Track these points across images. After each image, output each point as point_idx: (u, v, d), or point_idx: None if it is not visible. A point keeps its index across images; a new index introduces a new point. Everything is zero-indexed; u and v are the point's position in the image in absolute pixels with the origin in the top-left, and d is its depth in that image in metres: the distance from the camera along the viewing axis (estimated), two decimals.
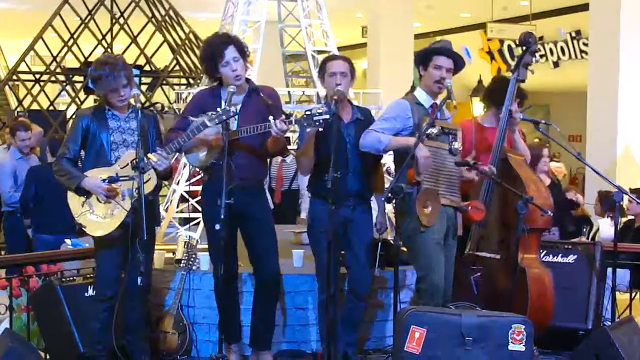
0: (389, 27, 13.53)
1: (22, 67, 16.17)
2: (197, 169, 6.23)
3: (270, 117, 5.21)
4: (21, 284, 6.27)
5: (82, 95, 15.99)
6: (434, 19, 17.26)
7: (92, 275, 5.83)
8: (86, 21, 15.84)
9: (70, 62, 17.48)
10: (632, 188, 7.58)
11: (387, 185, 6.05)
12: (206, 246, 5.80)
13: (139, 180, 4.96)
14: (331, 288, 5.07)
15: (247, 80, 5.61)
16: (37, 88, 16.40)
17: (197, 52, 13.94)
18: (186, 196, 6.97)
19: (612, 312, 6.29)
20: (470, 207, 5.50)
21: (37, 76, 16.61)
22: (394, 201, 5.20)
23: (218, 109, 5.15)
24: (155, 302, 5.97)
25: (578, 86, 12.31)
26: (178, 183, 7.00)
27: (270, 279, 5.61)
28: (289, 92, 7.29)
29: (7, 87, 17.01)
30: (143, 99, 14.78)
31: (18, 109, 16.34)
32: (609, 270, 6.35)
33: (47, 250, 7.27)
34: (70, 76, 16.53)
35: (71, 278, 5.99)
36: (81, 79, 16.10)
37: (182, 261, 6.05)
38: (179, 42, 16.45)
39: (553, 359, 6.05)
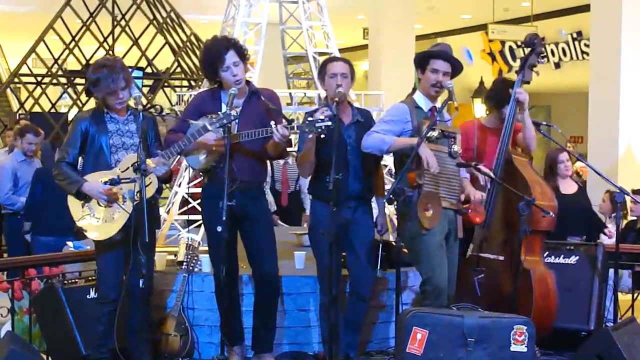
0: (390, 29, 13.52)
1: (24, 69, 16.18)
2: (198, 172, 6.23)
3: (272, 122, 5.22)
4: (23, 286, 6.27)
5: (83, 97, 15.99)
6: (435, 20, 17.26)
7: (94, 277, 5.83)
8: (87, 23, 15.85)
9: (72, 64, 17.49)
10: (634, 189, 7.58)
11: (388, 186, 6.06)
12: (207, 248, 5.80)
13: (141, 183, 4.96)
14: (333, 290, 5.08)
15: (247, 82, 5.61)
16: (38, 90, 16.42)
17: (199, 54, 13.97)
18: (188, 198, 6.96)
19: (614, 313, 6.29)
20: (470, 210, 5.50)
21: (39, 79, 16.62)
22: (395, 203, 5.21)
23: (219, 113, 5.16)
24: (157, 304, 5.96)
25: (579, 87, 12.31)
26: (180, 185, 7.00)
27: (268, 280, 5.61)
28: (290, 93, 7.29)
29: (8, 90, 17.02)
30: (144, 101, 14.79)
31: (20, 112, 16.35)
32: (611, 271, 6.34)
33: (47, 252, 7.27)
34: (72, 79, 16.54)
35: (73, 280, 6.00)
36: (83, 81, 16.09)
37: (184, 263, 6.05)
38: (180, 44, 16.46)
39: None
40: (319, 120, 5.06)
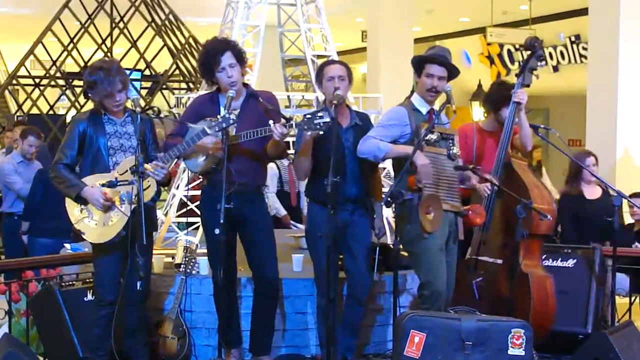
0: (388, 32, 13.52)
1: (22, 71, 16.15)
2: (197, 174, 6.23)
3: (270, 121, 5.22)
4: (20, 288, 6.27)
5: (81, 99, 15.98)
6: (434, 23, 17.26)
7: (91, 279, 5.83)
8: (86, 25, 15.83)
9: (70, 66, 17.47)
10: (633, 192, 7.58)
11: (385, 189, 6.06)
12: (206, 251, 5.80)
13: (139, 185, 4.96)
14: (330, 293, 5.08)
15: (246, 85, 5.61)
16: (36, 92, 16.39)
17: (197, 56, 13.95)
18: (186, 201, 6.96)
19: (611, 317, 6.29)
20: (470, 212, 5.50)
21: (37, 80, 16.60)
22: (393, 206, 5.21)
23: (218, 117, 5.16)
24: (155, 306, 5.96)
25: (577, 90, 12.31)
26: (178, 188, 7.00)
27: (269, 283, 5.61)
28: (288, 96, 7.29)
29: (6, 92, 17.00)
30: (143, 103, 14.78)
31: (18, 114, 16.32)
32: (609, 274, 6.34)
33: (45, 254, 7.27)
34: (70, 80, 16.52)
35: (70, 282, 5.99)
36: (81, 83, 16.07)
37: (182, 266, 6.04)
38: (178, 46, 16.45)
39: None
40: (318, 117, 5.06)
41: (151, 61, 16.42)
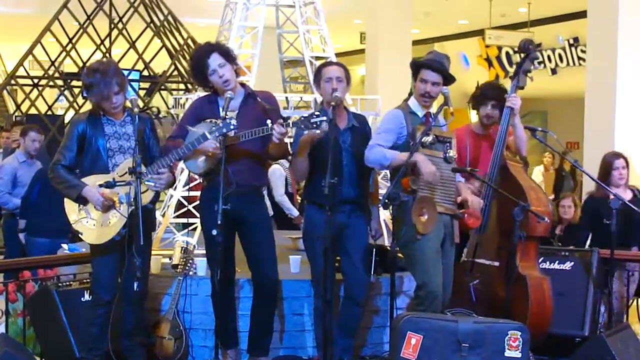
0: (387, 34, 13.54)
1: (21, 71, 16.13)
2: (196, 175, 6.23)
3: (268, 121, 5.21)
4: (17, 288, 6.27)
5: (80, 100, 15.97)
6: (432, 25, 17.28)
7: (88, 280, 5.83)
8: (85, 26, 15.81)
9: (69, 67, 17.46)
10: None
11: (382, 191, 6.07)
12: (203, 252, 5.80)
13: (136, 186, 4.96)
14: (327, 294, 5.07)
15: (243, 85, 5.62)
16: (35, 92, 16.37)
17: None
18: (183, 202, 6.96)
19: (608, 319, 6.29)
20: (466, 214, 5.51)
21: (36, 81, 16.58)
22: (390, 207, 5.21)
23: (218, 121, 5.15)
24: (152, 307, 5.96)
25: (576, 93, 12.33)
26: (175, 188, 7.00)
27: (268, 284, 5.60)
28: (286, 97, 7.29)
29: (5, 92, 16.98)
30: (141, 104, 14.77)
31: (16, 114, 16.31)
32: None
33: (42, 253, 7.27)
34: (69, 81, 16.49)
35: (67, 283, 5.99)
36: (79, 83, 16.01)
37: (179, 266, 6.04)
38: (177, 47, 16.43)
39: None
40: (315, 116, 5.06)
41: (150, 62, 16.41)
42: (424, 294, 5.31)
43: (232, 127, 5.11)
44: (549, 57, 16.63)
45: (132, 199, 5.07)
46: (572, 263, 6.35)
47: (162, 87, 16.48)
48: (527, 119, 6.16)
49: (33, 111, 15.85)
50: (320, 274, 5.26)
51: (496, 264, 5.81)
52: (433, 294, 5.29)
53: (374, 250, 5.89)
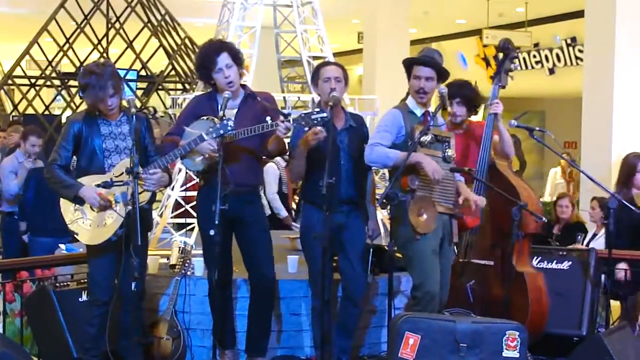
0: (385, 33, 13.53)
1: (18, 71, 16.13)
2: (193, 174, 6.22)
3: (268, 118, 5.21)
4: (15, 288, 6.26)
5: (77, 99, 15.96)
6: (430, 25, 17.28)
7: (85, 280, 5.82)
8: (82, 26, 15.79)
9: (66, 66, 17.42)
10: None
11: (380, 191, 6.06)
12: (201, 252, 5.79)
13: (134, 186, 4.96)
14: (325, 294, 5.07)
15: (243, 86, 5.61)
16: (32, 92, 16.36)
17: (193, 57, 13.93)
18: (181, 202, 6.96)
19: (606, 319, 6.30)
20: (465, 214, 5.50)
21: (33, 81, 16.57)
22: (388, 207, 5.21)
23: (216, 121, 5.15)
24: (149, 307, 5.95)
25: (573, 93, 12.34)
26: (173, 188, 6.99)
27: (265, 284, 5.60)
28: (284, 97, 7.29)
29: (2, 92, 16.96)
30: (139, 104, 14.76)
31: (13, 114, 16.30)
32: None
33: (45, 253, 7.26)
34: (66, 81, 16.47)
35: (65, 283, 5.98)
36: (77, 83, 16.00)
37: (177, 267, 6.04)
38: (174, 47, 16.42)
39: None
40: (315, 113, 5.06)
41: (147, 62, 16.40)
42: (422, 294, 5.31)
43: (229, 128, 5.11)
44: (546, 56, 16.62)
45: (128, 199, 5.07)
46: (570, 263, 6.36)
47: (160, 86, 16.48)
48: (525, 119, 6.15)
49: (30, 111, 15.83)
50: (317, 274, 5.26)
51: (490, 263, 5.83)
52: (430, 294, 5.28)
53: (371, 250, 5.89)
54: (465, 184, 5.65)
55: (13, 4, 16.82)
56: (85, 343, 5.41)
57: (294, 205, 9.30)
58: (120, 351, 5.39)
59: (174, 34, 16.39)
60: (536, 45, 16.41)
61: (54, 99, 17.30)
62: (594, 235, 8.07)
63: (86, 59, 15.80)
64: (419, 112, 5.49)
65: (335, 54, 7.79)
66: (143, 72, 16.80)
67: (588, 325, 6.14)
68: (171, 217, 7.00)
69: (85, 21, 15.83)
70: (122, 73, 15.09)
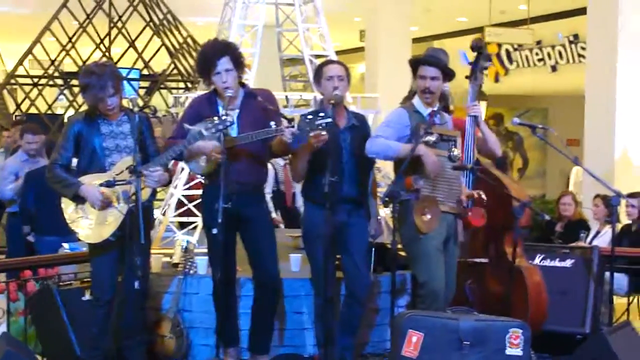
0: (386, 31, 13.53)
1: (20, 71, 16.16)
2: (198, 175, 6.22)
3: (272, 123, 5.21)
4: (18, 287, 6.27)
5: (80, 99, 15.98)
6: (431, 23, 17.25)
7: (89, 279, 5.83)
8: (84, 25, 15.83)
9: (69, 66, 17.46)
10: (630, 193, 7.58)
11: (382, 189, 6.07)
12: (203, 250, 5.80)
13: (136, 184, 4.96)
14: (327, 293, 5.07)
15: (243, 84, 5.61)
16: (35, 92, 16.40)
17: (195, 56, 13.94)
18: (184, 200, 6.96)
19: (609, 317, 6.30)
20: (470, 213, 5.50)
21: (35, 80, 16.60)
22: (390, 206, 5.21)
23: (215, 118, 5.15)
24: (152, 306, 5.96)
25: (576, 90, 12.31)
26: (176, 187, 7.00)
27: (269, 283, 5.60)
28: (286, 96, 7.29)
29: (5, 91, 16.99)
30: (141, 103, 14.77)
31: (16, 113, 16.33)
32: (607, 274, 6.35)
33: (51, 252, 7.26)
34: (68, 80, 16.51)
35: (68, 282, 5.99)
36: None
37: (180, 265, 6.04)
38: (177, 46, 16.45)
39: None
40: (319, 118, 5.06)
41: (149, 61, 16.43)
42: (426, 292, 5.32)
43: (228, 123, 5.11)
44: (549, 54, 16.59)
45: (130, 197, 5.08)
46: (573, 260, 6.36)
47: (162, 85, 16.50)
48: (528, 117, 6.15)
49: (33, 110, 15.88)
50: (320, 272, 5.26)
51: (484, 260, 5.85)
52: (434, 292, 5.29)
53: (374, 248, 5.89)
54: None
55: (16, 3, 16.84)
56: (88, 342, 5.42)
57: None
58: (124, 350, 5.39)
59: (176, 33, 16.42)
60: (538, 42, 16.38)
61: (57, 98, 17.32)
62: (597, 232, 8.08)
63: (89, 58, 15.85)
64: (424, 111, 5.49)
65: (337, 52, 7.79)
66: (145, 71, 16.82)
67: (591, 323, 6.14)
68: (174, 216, 7.01)
69: (88, 20, 15.86)
70: (124, 72, 15.13)
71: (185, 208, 6.93)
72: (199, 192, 5.96)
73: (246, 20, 7.32)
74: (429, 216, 5.25)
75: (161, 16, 16.21)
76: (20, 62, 15.88)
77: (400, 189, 5.21)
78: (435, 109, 5.50)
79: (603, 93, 9.48)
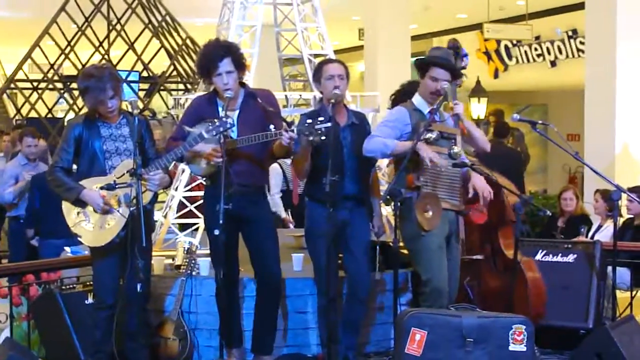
0: (385, 29, 13.50)
1: (20, 75, 16.17)
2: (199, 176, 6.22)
3: (272, 126, 5.21)
4: (21, 292, 6.27)
5: (80, 102, 15.99)
6: (430, 20, 17.24)
7: (91, 283, 5.83)
8: (83, 28, 15.83)
9: (68, 69, 17.47)
10: (630, 187, 7.56)
11: (383, 187, 6.07)
12: (206, 251, 5.80)
13: (137, 187, 4.96)
14: (330, 292, 5.08)
15: (243, 84, 5.61)
16: (35, 96, 16.40)
17: (195, 57, 13.94)
18: (185, 202, 6.96)
19: (612, 311, 6.29)
20: (471, 211, 5.50)
21: (35, 84, 16.61)
22: (392, 204, 5.21)
23: (215, 120, 5.16)
24: (155, 308, 5.96)
25: (576, 85, 12.31)
26: (177, 189, 7.00)
27: (271, 283, 5.61)
28: (286, 96, 7.29)
29: (5, 96, 17.01)
30: (141, 105, 14.78)
31: (16, 117, 16.33)
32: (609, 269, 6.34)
33: (55, 255, 7.27)
34: (68, 83, 16.51)
35: (71, 286, 6.00)
36: None
37: (182, 267, 6.04)
38: (176, 47, 16.45)
39: (554, 358, 6.05)
40: (318, 122, 5.06)
41: (148, 63, 16.43)
42: (429, 289, 5.32)
43: (228, 125, 5.11)
44: (548, 49, 16.58)
45: (131, 201, 5.08)
46: (575, 255, 6.35)
47: (162, 87, 16.51)
48: (527, 112, 6.16)
49: (33, 114, 15.88)
50: (323, 271, 5.26)
51: (480, 257, 5.87)
52: (437, 289, 5.29)
53: (377, 247, 5.90)
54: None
55: (14, 8, 16.85)
56: (92, 345, 5.42)
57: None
58: (127, 353, 5.40)
59: (174, 34, 16.42)
60: (537, 38, 16.37)
61: (57, 101, 17.33)
62: (599, 227, 8.07)
63: (88, 61, 15.86)
64: (425, 110, 5.50)
65: (336, 51, 7.78)
66: (145, 74, 16.82)
67: (594, 317, 6.13)
68: (175, 218, 7.01)
69: (86, 24, 15.86)
70: (124, 75, 15.16)
71: (186, 210, 6.93)
72: (201, 193, 5.96)
73: (244, 21, 7.32)
74: (430, 213, 5.26)
75: (160, 18, 16.21)
76: (19, 67, 15.89)
77: (401, 187, 5.22)
78: (435, 107, 5.51)
79: (603, 87, 9.46)
